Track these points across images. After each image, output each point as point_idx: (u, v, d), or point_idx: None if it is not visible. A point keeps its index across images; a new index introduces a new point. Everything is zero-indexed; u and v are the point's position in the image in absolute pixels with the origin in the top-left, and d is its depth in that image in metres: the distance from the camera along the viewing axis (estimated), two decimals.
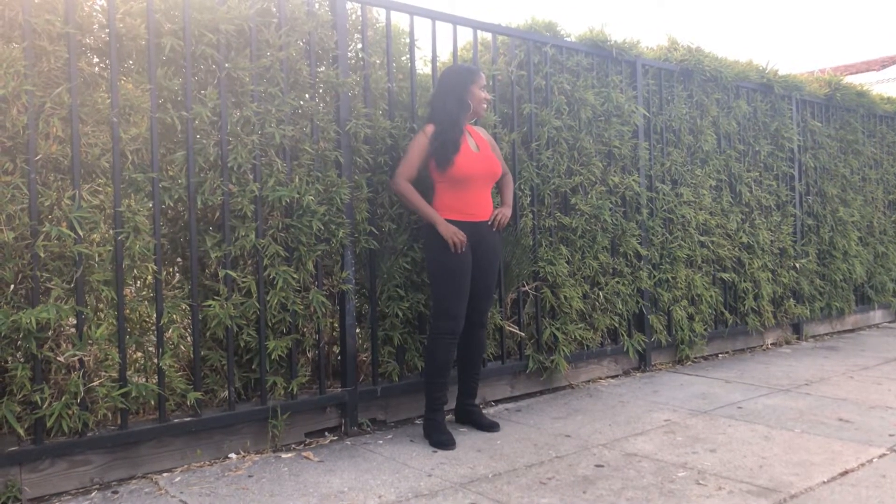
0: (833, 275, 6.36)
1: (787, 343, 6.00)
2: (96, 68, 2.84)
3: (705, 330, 5.24)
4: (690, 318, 5.13)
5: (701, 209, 5.23)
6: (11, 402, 2.56)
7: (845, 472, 2.79)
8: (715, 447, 3.13)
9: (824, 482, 2.68)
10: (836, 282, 6.40)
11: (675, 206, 5.03)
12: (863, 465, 2.87)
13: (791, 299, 5.95)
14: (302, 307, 3.25)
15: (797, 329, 6.15)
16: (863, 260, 6.69)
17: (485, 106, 3.43)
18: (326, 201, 3.32)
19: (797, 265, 6.00)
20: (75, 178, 2.68)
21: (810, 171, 6.24)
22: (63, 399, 2.62)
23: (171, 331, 2.99)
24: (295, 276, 3.20)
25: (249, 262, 3.19)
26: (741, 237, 5.50)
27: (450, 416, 3.59)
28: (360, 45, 3.57)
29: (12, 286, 2.58)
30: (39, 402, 2.58)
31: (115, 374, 2.79)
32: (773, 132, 5.89)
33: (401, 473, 2.86)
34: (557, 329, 4.20)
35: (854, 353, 5.53)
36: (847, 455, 2.99)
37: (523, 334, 4.11)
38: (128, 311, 2.88)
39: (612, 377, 4.65)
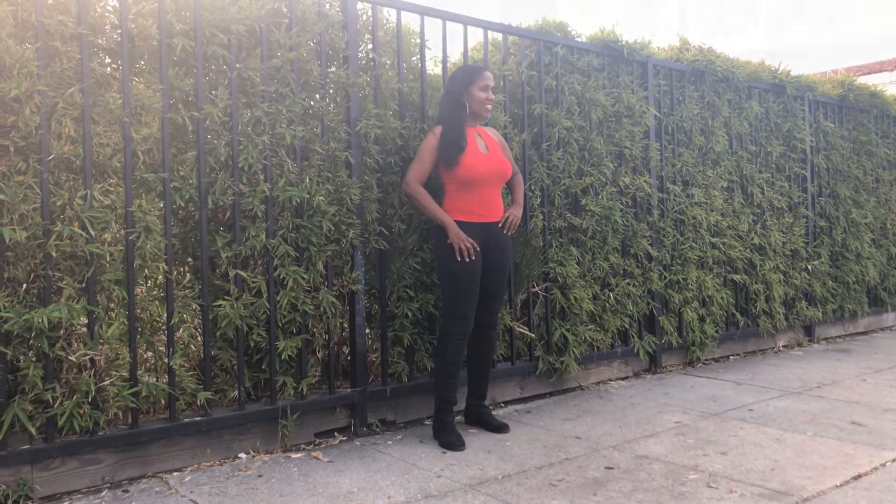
0: (845, 277, 6.31)
1: (799, 345, 5.95)
2: (108, 69, 2.86)
3: (716, 332, 5.21)
4: (701, 319, 5.10)
5: (712, 210, 5.20)
6: (23, 400, 2.57)
7: (858, 476, 2.76)
8: (726, 450, 3.11)
9: (837, 486, 2.66)
10: (848, 284, 6.35)
11: (687, 207, 5.00)
12: (876, 468, 2.85)
13: (803, 301, 5.91)
14: (312, 307, 3.25)
15: (809, 331, 6.11)
16: (876, 262, 6.64)
17: (488, 107, 3.39)
18: (337, 202, 3.32)
19: (809, 267, 5.95)
20: (87, 178, 2.69)
21: (823, 173, 6.19)
22: (74, 398, 2.64)
23: (181, 330, 2.99)
24: (305, 276, 3.21)
25: (260, 262, 3.20)
26: (753, 238, 5.46)
27: (459, 417, 3.59)
28: (370, 46, 3.57)
29: (24, 285, 2.59)
30: (51, 401, 2.59)
31: (125, 374, 2.80)
32: (785, 133, 5.85)
33: (410, 474, 2.85)
34: (567, 330, 4.19)
35: (867, 355, 5.48)
36: (860, 458, 2.96)
37: (533, 335, 4.10)
38: (139, 310, 2.89)
39: (623, 379, 4.63)
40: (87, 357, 2.67)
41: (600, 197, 4.44)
